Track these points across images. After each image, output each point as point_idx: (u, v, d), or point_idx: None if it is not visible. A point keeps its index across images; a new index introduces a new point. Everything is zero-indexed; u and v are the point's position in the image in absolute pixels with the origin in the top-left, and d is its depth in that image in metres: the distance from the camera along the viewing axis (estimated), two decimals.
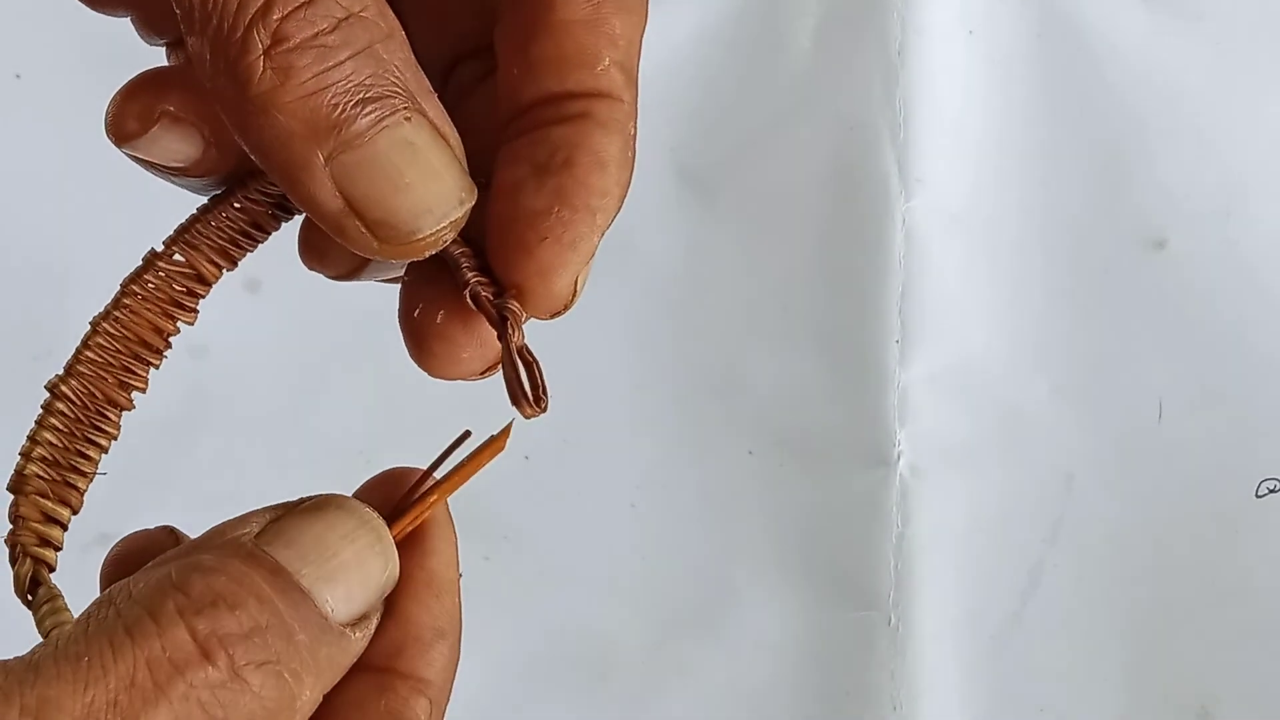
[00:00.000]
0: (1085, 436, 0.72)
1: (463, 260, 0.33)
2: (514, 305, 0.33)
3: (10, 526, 0.32)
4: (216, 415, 0.69)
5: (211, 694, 0.26)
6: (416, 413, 0.68)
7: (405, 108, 0.30)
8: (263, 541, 0.28)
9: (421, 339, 0.33)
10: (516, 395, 0.32)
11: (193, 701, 0.26)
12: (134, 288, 0.33)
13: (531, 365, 0.33)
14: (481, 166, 0.33)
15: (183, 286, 0.33)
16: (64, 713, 0.25)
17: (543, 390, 0.32)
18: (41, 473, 0.32)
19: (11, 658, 0.26)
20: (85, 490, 0.33)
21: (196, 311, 0.34)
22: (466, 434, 0.33)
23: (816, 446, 0.71)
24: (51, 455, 0.32)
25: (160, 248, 0.34)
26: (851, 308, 0.71)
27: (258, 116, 0.29)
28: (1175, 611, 0.71)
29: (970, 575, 0.71)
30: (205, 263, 0.34)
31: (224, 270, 0.34)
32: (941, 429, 0.71)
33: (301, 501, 0.30)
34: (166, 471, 0.68)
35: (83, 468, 0.33)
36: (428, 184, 0.30)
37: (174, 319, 0.34)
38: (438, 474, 0.33)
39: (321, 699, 0.28)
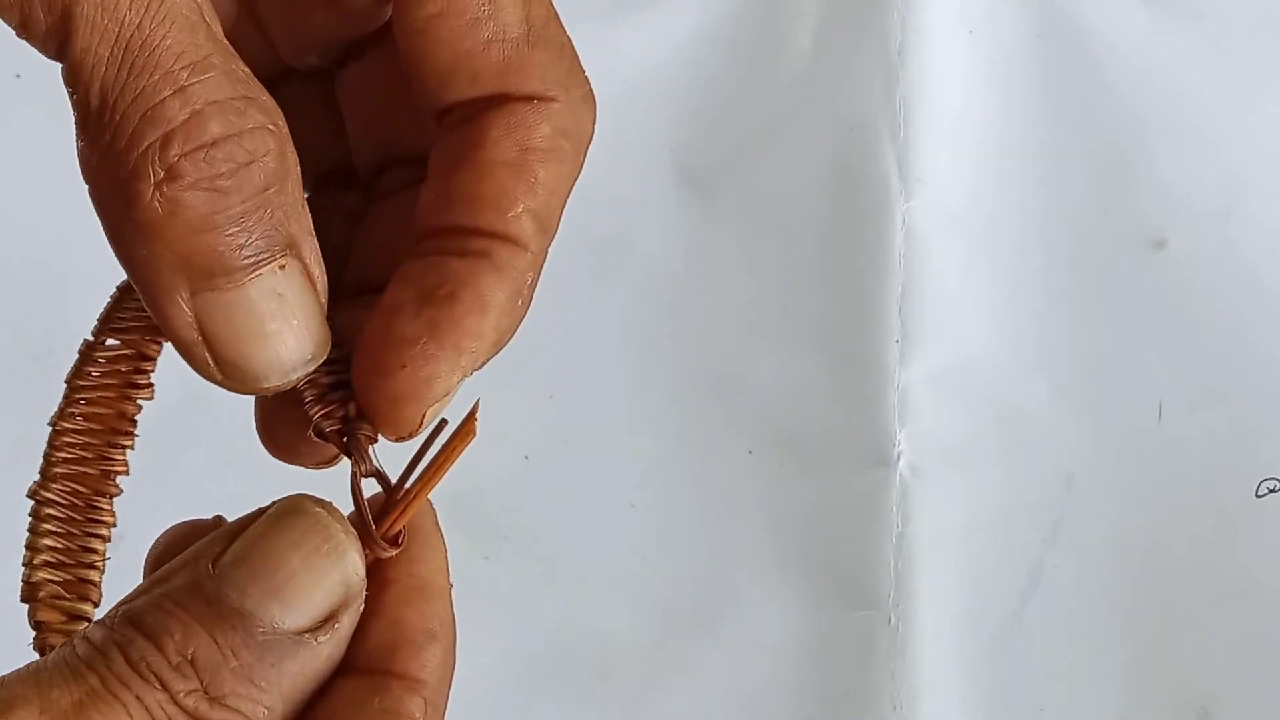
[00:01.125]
0: (1085, 436, 0.72)
1: (307, 394, 0.32)
2: (365, 432, 0.33)
3: (34, 632, 0.32)
4: (217, 415, 0.69)
5: (162, 710, 0.27)
6: None
7: (282, 256, 0.30)
8: (219, 564, 0.28)
9: (269, 435, 0.34)
10: (364, 536, 0.31)
11: (149, 708, 0.27)
12: (79, 382, 0.33)
13: (392, 493, 0.32)
14: (379, 273, 0.33)
15: (129, 367, 0.33)
16: (31, 706, 0.26)
17: (397, 522, 0.32)
18: (52, 576, 0.32)
19: None
20: (100, 581, 0.33)
21: (152, 385, 0.33)
22: (443, 423, 0.33)
23: (816, 446, 0.71)
24: (57, 559, 0.32)
25: (90, 336, 0.33)
26: (851, 308, 0.71)
27: (135, 235, 0.29)
28: (1175, 611, 0.71)
29: (970, 575, 0.71)
30: (144, 341, 0.33)
31: (164, 343, 0.33)
32: (941, 429, 0.71)
33: (267, 508, 0.30)
34: (167, 471, 0.68)
35: (93, 561, 0.32)
36: (285, 337, 0.30)
37: (132, 399, 0.33)
38: (418, 470, 0.33)
39: (302, 704, 0.28)
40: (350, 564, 0.29)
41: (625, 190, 0.73)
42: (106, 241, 0.30)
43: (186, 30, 0.28)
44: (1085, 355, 0.72)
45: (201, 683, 0.27)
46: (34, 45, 0.29)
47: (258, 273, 0.29)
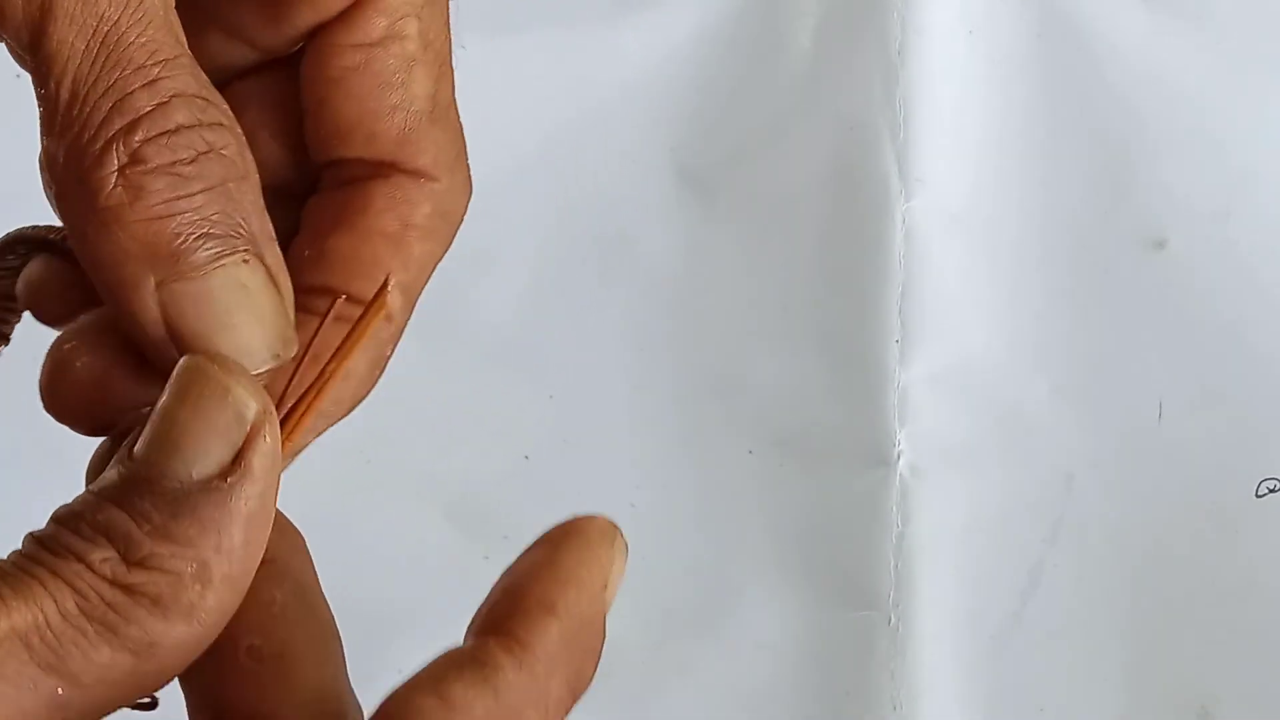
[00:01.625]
0: (1085, 436, 0.72)
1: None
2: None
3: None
4: None
5: (84, 582, 0.27)
6: (416, 413, 0.68)
7: (245, 250, 0.30)
8: (133, 450, 0.28)
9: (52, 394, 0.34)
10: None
11: (67, 587, 0.27)
12: None
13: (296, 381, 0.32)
14: None
15: None
16: None
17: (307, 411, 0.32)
18: None
19: None
20: None
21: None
22: (337, 296, 0.33)
23: (816, 446, 0.71)
24: None
25: None
26: (851, 308, 0.71)
27: (99, 230, 0.29)
28: (1175, 611, 0.71)
29: (970, 575, 0.71)
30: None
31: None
32: (941, 429, 0.71)
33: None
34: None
35: None
36: (252, 328, 0.30)
37: None
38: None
39: (244, 551, 0.28)
40: (238, 399, 0.28)
41: (625, 190, 0.73)
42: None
43: (161, 29, 0.29)
44: (1085, 355, 0.72)
45: (118, 550, 0.27)
46: (4, 36, 0.29)
47: (221, 262, 0.30)
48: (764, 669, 0.71)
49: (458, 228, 0.34)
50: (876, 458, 0.71)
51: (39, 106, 0.30)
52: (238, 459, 0.28)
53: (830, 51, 0.72)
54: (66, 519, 0.28)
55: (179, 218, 0.29)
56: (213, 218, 0.30)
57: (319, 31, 0.33)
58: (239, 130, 0.31)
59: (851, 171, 0.72)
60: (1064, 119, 0.72)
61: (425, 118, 0.33)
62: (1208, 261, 0.72)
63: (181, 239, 0.29)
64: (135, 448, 0.28)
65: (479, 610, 0.30)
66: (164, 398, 0.28)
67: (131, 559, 0.27)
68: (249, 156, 0.31)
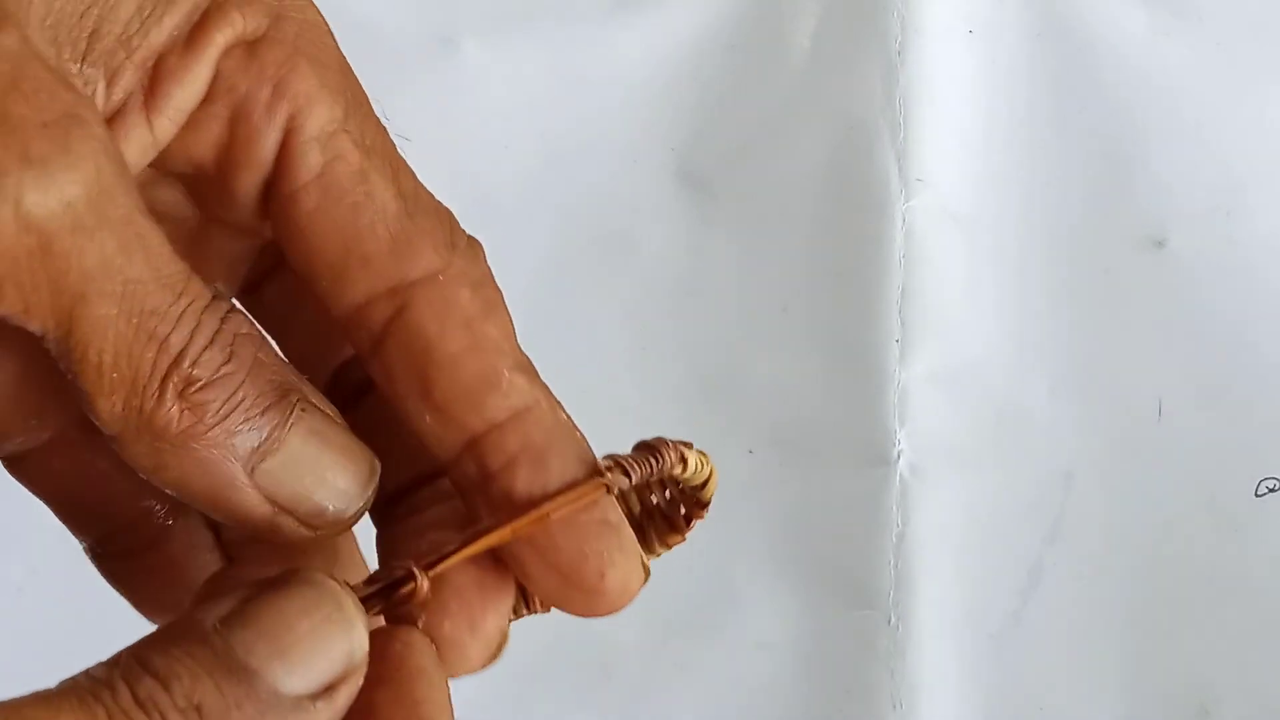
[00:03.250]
0: (1085, 436, 0.72)
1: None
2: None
3: None
4: None
5: None
6: None
7: (299, 401, 0.31)
8: (225, 624, 0.29)
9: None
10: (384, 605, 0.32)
11: None
12: None
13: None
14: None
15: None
16: None
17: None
18: None
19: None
20: None
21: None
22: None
23: (817, 446, 0.71)
24: None
25: None
26: (851, 308, 0.71)
27: (178, 455, 0.30)
28: (1175, 611, 0.71)
29: (970, 574, 0.71)
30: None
31: None
32: (941, 428, 0.71)
33: (275, 576, 0.30)
34: None
35: None
36: (342, 469, 0.32)
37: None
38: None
39: None
40: (357, 637, 0.29)
41: (625, 190, 0.73)
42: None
43: (168, 259, 0.30)
44: (1085, 354, 0.72)
45: None
46: (25, 327, 0.30)
47: (290, 423, 0.31)
48: (764, 669, 0.71)
49: (490, 273, 0.34)
50: (876, 457, 0.71)
51: (70, 374, 0.30)
52: (330, 688, 0.29)
53: (830, 51, 0.72)
54: (156, 669, 0.28)
55: (240, 408, 0.31)
56: (264, 391, 0.31)
57: (270, 195, 0.33)
58: (233, 302, 0.32)
59: (851, 171, 0.72)
60: (1064, 119, 0.72)
61: (403, 216, 0.33)
62: (1207, 261, 0.72)
63: (250, 424, 0.31)
64: (229, 619, 0.29)
65: None
66: (281, 597, 0.29)
67: None
68: (253, 321, 0.32)
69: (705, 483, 0.36)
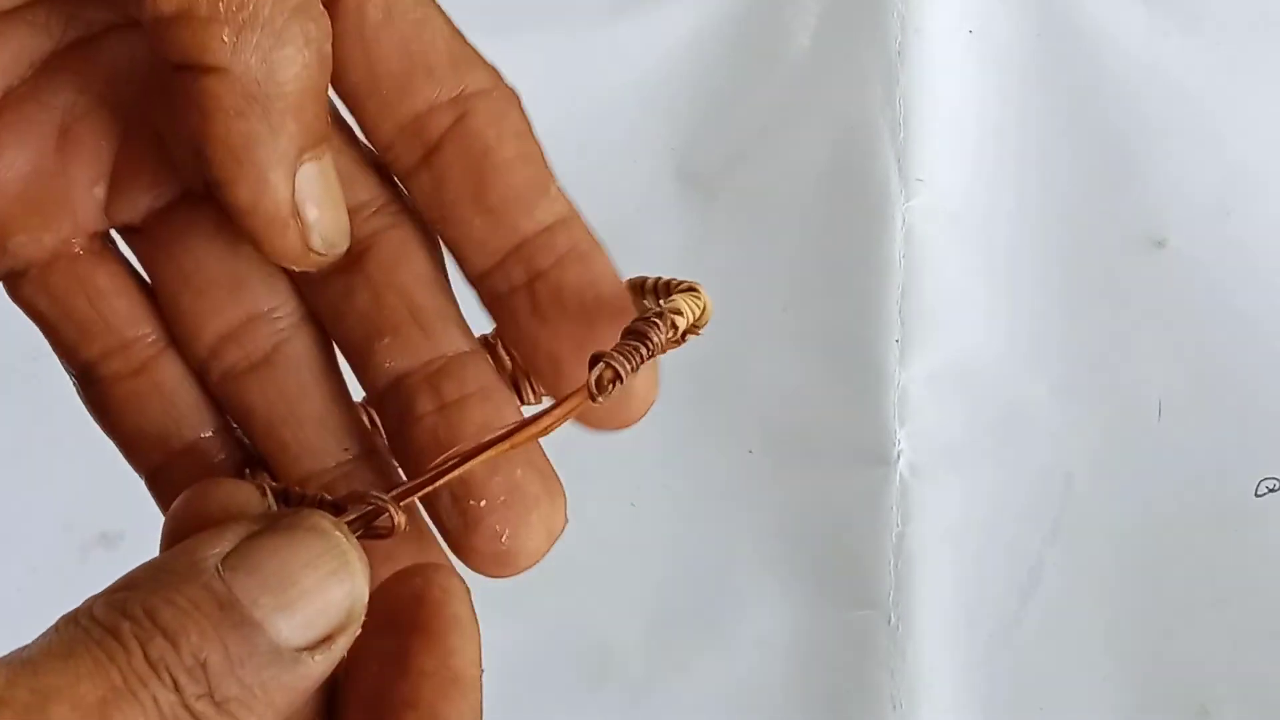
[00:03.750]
0: (1084, 435, 0.72)
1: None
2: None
3: None
4: None
5: (172, 711, 0.28)
6: None
7: (324, 142, 0.33)
8: (228, 566, 0.29)
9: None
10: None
11: (161, 713, 0.28)
12: None
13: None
14: None
15: None
16: (63, 701, 0.27)
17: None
18: None
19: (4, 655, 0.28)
20: None
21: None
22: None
23: (816, 446, 0.71)
24: None
25: None
26: (851, 308, 0.71)
27: (264, 103, 0.31)
28: (1175, 611, 0.71)
29: (970, 575, 0.71)
30: None
31: None
32: (941, 428, 0.71)
33: (277, 518, 0.30)
34: None
35: None
36: (344, 207, 0.33)
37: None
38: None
39: (287, 716, 0.29)
40: (358, 590, 0.30)
41: (625, 190, 0.73)
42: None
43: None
44: (1085, 354, 0.72)
45: (209, 686, 0.28)
46: None
47: (323, 149, 0.32)
48: (764, 668, 0.71)
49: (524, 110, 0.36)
50: (876, 457, 0.71)
51: (181, 8, 0.31)
52: (329, 638, 0.29)
53: (830, 51, 0.72)
54: (166, 625, 0.28)
55: (310, 99, 0.32)
56: (309, 109, 0.32)
57: (335, 7, 0.34)
58: None
59: (851, 171, 0.72)
60: (1064, 119, 0.72)
61: (458, 38, 0.35)
62: (1207, 260, 0.72)
63: (310, 121, 0.32)
64: (232, 563, 0.29)
65: None
66: (285, 545, 0.29)
67: (217, 698, 0.28)
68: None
69: (702, 313, 0.37)
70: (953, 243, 0.72)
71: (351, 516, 0.31)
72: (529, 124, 0.35)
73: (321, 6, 0.32)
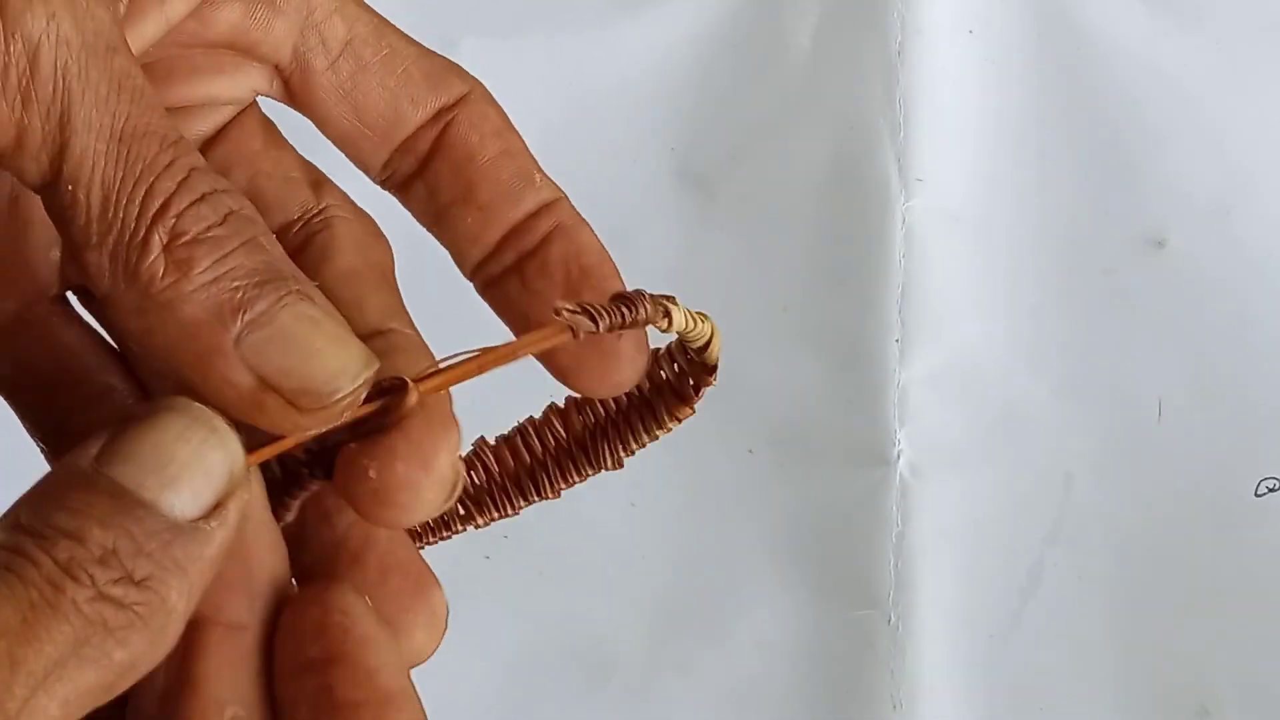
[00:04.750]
0: (1085, 435, 0.72)
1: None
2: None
3: None
4: None
5: (92, 607, 0.28)
6: None
7: (297, 289, 0.31)
8: (104, 462, 0.29)
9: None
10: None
11: (83, 613, 0.28)
12: None
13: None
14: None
15: None
16: None
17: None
18: None
19: None
20: None
21: None
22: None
23: (816, 446, 0.71)
24: None
25: None
26: (851, 308, 0.71)
27: (162, 313, 0.30)
28: (1175, 611, 0.71)
29: (970, 574, 0.71)
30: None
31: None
32: (941, 428, 0.71)
33: (136, 407, 0.31)
34: None
35: None
36: (336, 349, 0.32)
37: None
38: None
39: (198, 599, 0.29)
40: (233, 452, 0.30)
41: (625, 190, 0.73)
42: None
43: (160, 113, 0.31)
44: (1085, 354, 0.72)
45: (126, 568, 0.28)
46: (19, 166, 0.30)
47: (284, 303, 0.31)
48: (764, 668, 0.71)
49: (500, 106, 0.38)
50: (876, 457, 0.71)
51: (64, 232, 0.31)
52: (220, 505, 0.30)
53: (830, 51, 0.72)
54: (66, 526, 0.28)
55: (230, 274, 0.31)
56: (258, 267, 0.31)
57: (301, 72, 0.36)
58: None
59: (851, 171, 0.72)
60: (1064, 119, 0.72)
61: (424, 56, 0.37)
62: (1207, 260, 0.72)
63: (241, 292, 0.31)
64: (106, 459, 0.29)
65: None
66: (154, 429, 0.30)
67: (137, 578, 0.28)
68: (261, 219, 0.32)
69: (708, 344, 0.37)
70: (953, 243, 0.72)
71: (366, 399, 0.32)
72: (508, 121, 0.38)
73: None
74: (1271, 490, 0.71)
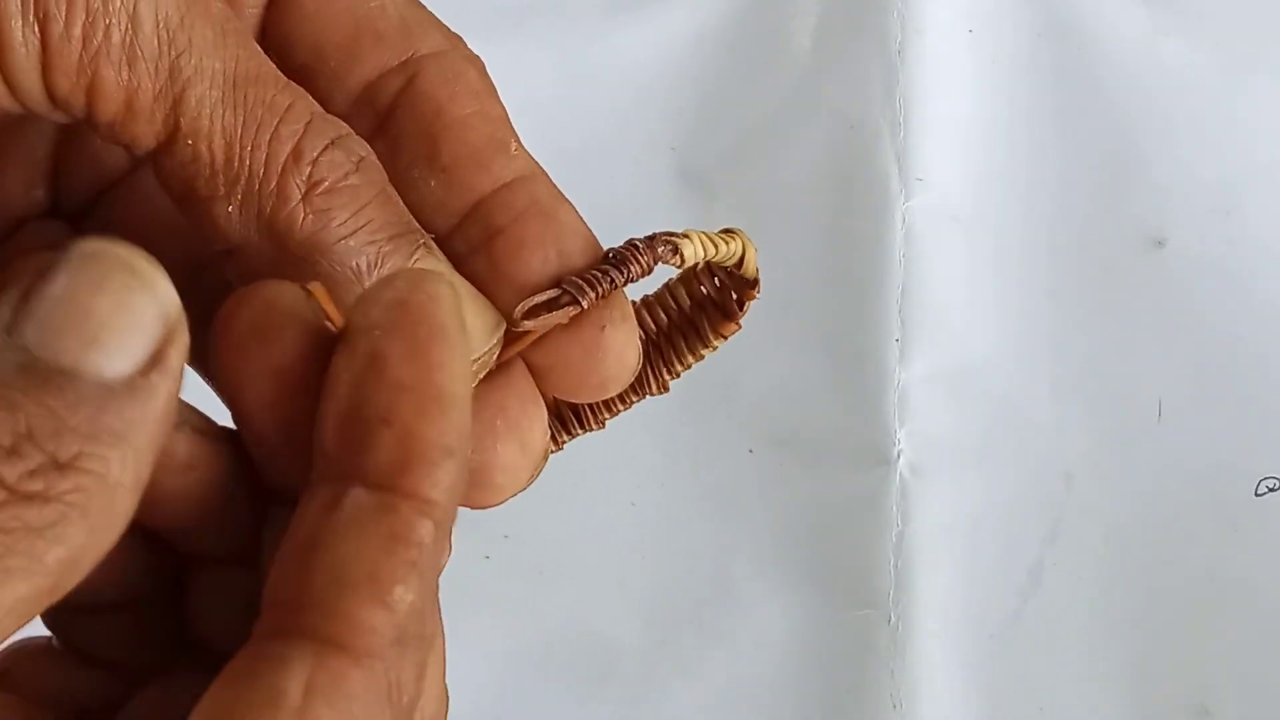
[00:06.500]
0: (1085, 435, 0.72)
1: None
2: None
3: None
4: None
5: (5, 512, 0.24)
6: None
7: (423, 243, 0.30)
8: (15, 326, 0.26)
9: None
10: None
11: None
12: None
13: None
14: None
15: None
16: None
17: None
18: None
19: None
20: None
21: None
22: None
23: (816, 446, 0.71)
24: None
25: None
26: (851, 308, 0.71)
27: (299, 264, 0.29)
28: (1175, 611, 0.71)
29: (970, 574, 0.71)
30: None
31: None
32: (941, 428, 0.71)
33: (46, 259, 0.27)
34: None
35: None
36: (467, 306, 0.30)
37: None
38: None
39: (153, 461, 0.26)
40: (162, 293, 0.26)
41: (625, 190, 0.73)
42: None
43: (261, 54, 0.29)
44: (1085, 354, 0.72)
45: (46, 453, 0.25)
46: (130, 133, 0.28)
47: (416, 258, 0.30)
48: (764, 668, 0.71)
49: (488, 75, 0.34)
50: (876, 457, 0.71)
51: (185, 193, 0.29)
52: (158, 355, 0.26)
53: (830, 51, 0.72)
54: None
55: (368, 228, 0.29)
56: (392, 220, 0.30)
57: None
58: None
59: (851, 171, 0.72)
60: (1064, 119, 0.72)
61: (412, 5, 0.34)
62: (1207, 260, 0.72)
63: (378, 246, 0.29)
64: (17, 325, 0.26)
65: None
66: (66, 284, 0.26)
67: (62, 460, 0.25)
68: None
69: (742, 259, 0.35)
70: (953, 243, 0.72)
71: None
72: (490, 86, 0.34)
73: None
74: (1271, 490, 0.71)
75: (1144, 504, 0.71)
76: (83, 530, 0.25)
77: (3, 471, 0.24)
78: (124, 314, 0.26)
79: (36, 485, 0.25)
